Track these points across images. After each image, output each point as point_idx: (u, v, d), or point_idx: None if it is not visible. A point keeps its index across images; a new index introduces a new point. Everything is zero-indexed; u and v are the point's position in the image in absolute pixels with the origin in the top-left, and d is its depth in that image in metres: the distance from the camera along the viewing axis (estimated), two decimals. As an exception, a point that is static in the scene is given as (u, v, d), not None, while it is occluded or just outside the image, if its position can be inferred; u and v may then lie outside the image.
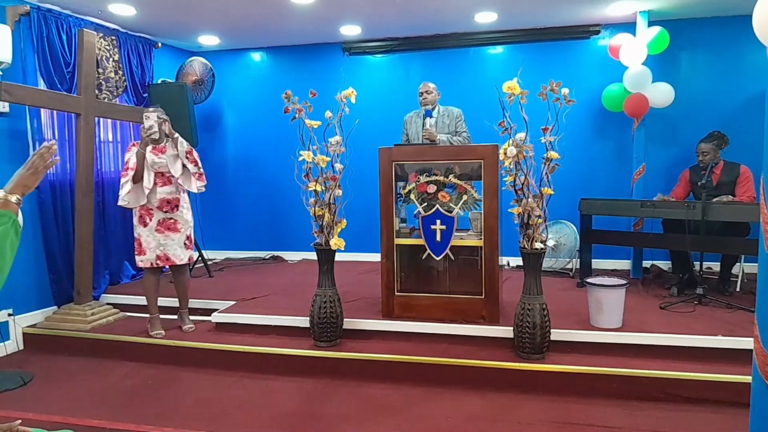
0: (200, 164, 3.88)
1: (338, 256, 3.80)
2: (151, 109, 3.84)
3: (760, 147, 1.96)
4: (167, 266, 3.97)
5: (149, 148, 3.80)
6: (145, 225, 3.84)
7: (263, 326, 3.97)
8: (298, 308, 4.07)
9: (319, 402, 3.19)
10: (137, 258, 3.90)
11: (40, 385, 3.50)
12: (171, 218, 3.87)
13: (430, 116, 4.37)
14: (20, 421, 1.70)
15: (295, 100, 3.64)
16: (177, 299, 4.13)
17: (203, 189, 3.93)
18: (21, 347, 4.17)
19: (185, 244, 3.93)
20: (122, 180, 3.79)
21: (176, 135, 3.79)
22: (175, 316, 4.17)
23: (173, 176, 3.82)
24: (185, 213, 3.94)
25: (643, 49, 4.78)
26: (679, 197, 4.59)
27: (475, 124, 4.38)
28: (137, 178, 3.77)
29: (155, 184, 3.81)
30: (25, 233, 3.59)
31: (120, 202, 3.81)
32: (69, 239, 4.48)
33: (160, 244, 3.84)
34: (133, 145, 3.84)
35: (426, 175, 3.74)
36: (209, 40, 5.81)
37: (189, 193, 4.00)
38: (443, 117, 4.41)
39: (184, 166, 3.82)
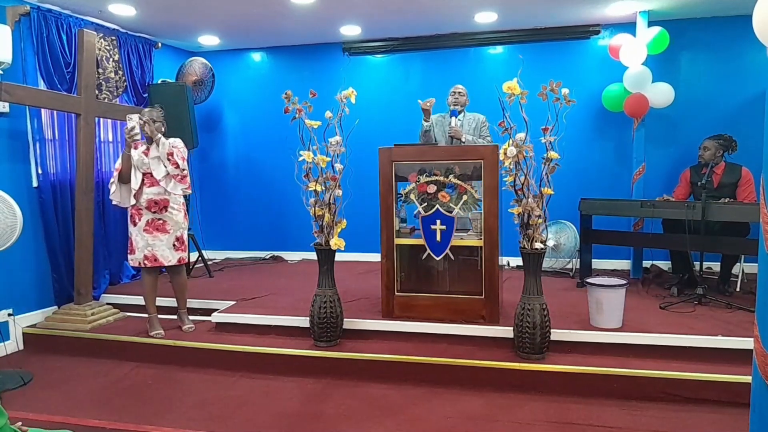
0: (183, 166, 3.81)
1: (338, 256, 3.80)
2: (146, 110, 3.86)
3: (760, 147, 1.96)
4: (164, 267, 3.98)
5: (142, 148, 3.81)
6: (135, 224, 3.86)
7: (263, 326, 3.97)
8: (298, 308, 4.07)
9: (319, 402, 3.19)
10: (129, 256, 3.93)
11: (40, 385, 3.50)
12: (160, 219, 3.86)
13: (457, 116, 4.38)
14: (21, 423, 1.70)
15: (295, 100, 3.64)
16: (176, 299, 4.13)
17: (189, 191, 3.93)
18: (21, 347, 4.16)
19: (174, 245, 3.90)
20: (110, 180, 3.90)
21: (158, 136, 3.77)
22: (175, 316, 4.17)
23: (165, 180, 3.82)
24: (175, 214, 3.89)
25: (643, 49, 4.78)
26: (680, 198, 4.59)
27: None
28: (123, 179, 3.82)
29: (143, 184, 3.81)
30: (26, 233, 3.61)
31: (113, 201, 3.90)
32: (69, 239, 4.49)
33: (148, 244, 3.84)
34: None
35: (426, 175, 3.74)
36: (209, 40, 5.81)
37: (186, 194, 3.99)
38: (469, 121, 4.44)
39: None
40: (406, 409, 3.06)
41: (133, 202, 3.82)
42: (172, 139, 3.86)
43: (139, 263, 3.87)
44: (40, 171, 4.30)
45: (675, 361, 3.26)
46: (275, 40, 5.91)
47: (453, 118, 4.35)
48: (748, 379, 2.41)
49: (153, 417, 3.01)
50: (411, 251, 3.89)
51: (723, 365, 3.17)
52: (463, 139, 4.24)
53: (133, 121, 3.73)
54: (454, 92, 4.43)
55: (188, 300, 4.22)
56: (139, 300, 4.33)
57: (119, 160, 3.84)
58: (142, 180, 3.80)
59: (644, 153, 5.11)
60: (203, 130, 6.07)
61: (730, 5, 4.75)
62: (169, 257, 3.88)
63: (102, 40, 4.79)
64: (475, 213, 3.77)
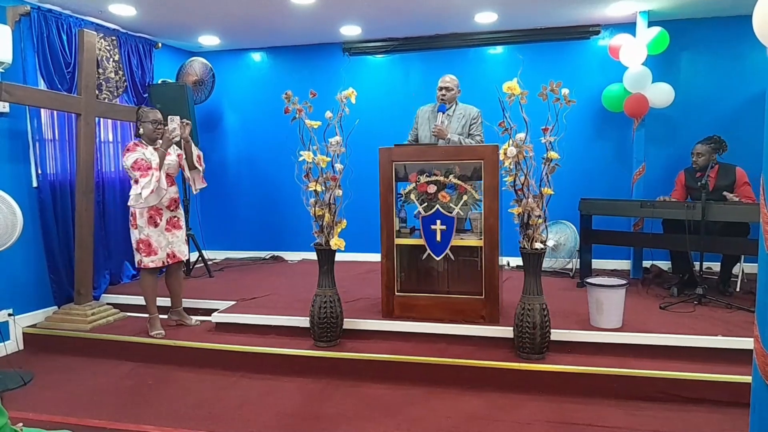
0: None
1: (338, 256, 3.80)
2: (148, 110, 3.90)
3: (760, 147, 1.96)
4: (164, 267, 4.01)
5: (150, 148, 3.83)
6: (156, 225, 3.85)
7: (263, 326, 3.97)
8: (298, 308, 4.07)
9: (319, 402, 3.19)
10: (146, 259, 3.83)
11: (40, 385, 3.50)
12: (175, 216, 3.97)
13: (444, 111, 4.12)
14: (21, 424, 1.70)
15: (295, 101, 3.64)
16: (172, 298, 4.17)
17: (197, 191, 4.15)
18: (21, 347, 4.16)
19: (185, 240, 4.08)
20: (144, 180, 3.69)
21: (189, 140, 3.95)
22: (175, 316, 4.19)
23: (187, 177, 4.04)
24: (181, 210, 4.06)
25: (643, 49, 4.78)
26: (678, 200, 4.58)
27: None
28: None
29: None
30: (26, 233, 3.61)
31: (133, 203, 3.75)
32: (69, 239, 4.48)
33: (169, 242, 3.92)
34: (136, 145, 3.80)
35: (426, 175, 3.74)
36: (209, 40, 5.81)
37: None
38: (459, 116, 4.16)
39: (190, 168, 4.02)
40: (406, 409, 3.06)
41: (156, 201, 3.78)
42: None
43: (163, 262, 3.91)
44: (39, 171, 4.29)
45: (675, 361, 3.26)
46: (275, 40, 5.92)
47: (440, 113, 4.10)
48: (748, 379, 2.41)
49: (153, 417, 3.01)
50: (411, 251, 3.89)
51: (723, 365, 3.17)
52: (447, 139, 4.03)
53: (175, 122, 3.81)
54: (441, 87, 4.16)
55: (189, 300, 4.27)
56: (139, 300, 4.33)
57: (155, 160, 3.74)
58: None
59: (644, 153, 5.12)
60: (203, 130, 6.07)
61: (730, 5, 4.75)
62: (184, 252, 4.04)
63: (102, 40, 4.79)
64: (475, 213, 3.77)
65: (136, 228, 3.83)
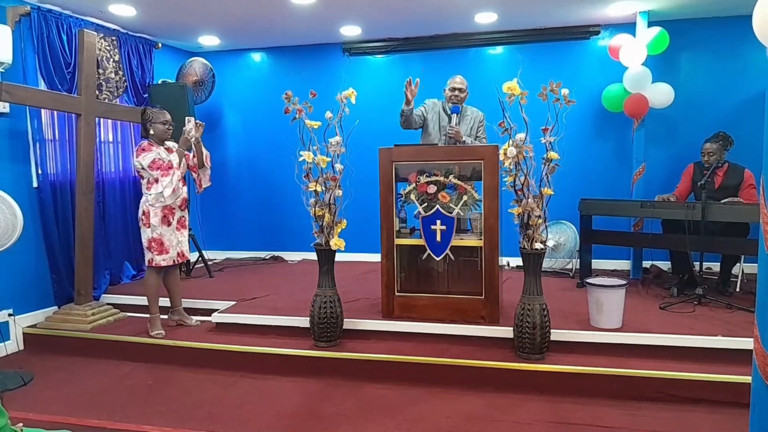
0: None
1: (338, 256, 3.80)
2: (156, 111, 3.91)
3: (759, 147, 1.96)
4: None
5: (162, 148, 3.86)
6: (169, 224, 3.89)
7: (263, 326, 3.98)
8: (298, 308, 4.07)
9: (319, 402, 3.19)
10: (158, 258, 3.86)
11: (40, 385, 3.50)
12: (183, 216, 4.02)
13: (458, 113, 4.13)
14: (21, 424, 1.70)
15: (295, 101, 3.64)
16: (171, 298, 4.18)
17: (202, 190, 4.21)
18: (21, 347, 4.17)
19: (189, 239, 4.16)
20: (165, 179, 3.76)
21: (200, 140, 4.03)
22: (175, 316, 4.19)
23: (196, 177, 4.10)
24: (187, 210, 4.10)
25: (643, 49, 4.78)
26: (682, 193, 4.58)
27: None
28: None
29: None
30: (26, 233, 3.61)
31: (153, 202, 3.78)
32: (69, 239, 4.49)
33: (179, 241, 3.96)
34: (150, 145, 3.81)
35: (426, 176, 3.74)
36: (209, 41, 5.81)
37: None
38: (468, 118, 4.22)
39: (200, 167, 4.10)
40: (406, 410, 3.06)
41: (171, 201, 3.84)
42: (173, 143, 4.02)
43: (174, 261, 3.95)
44: (39, 171, 4.30)
45: (675, 362, 3.26)
46: (275, 40, 5.92)
47: (454, 115, 4.14)
48: (748, 379, 2.41)
49: (153, 417, 3.02)
50: (411, 251, 3.89)
51: (723, 365, 3.17)
52: (463, 141, 4.10)
53: (192, 123, 3.90)
54: (454, 88, 4.16)
55: (189, 300, 4.28)
56: (139, 300, 4.34)
57: (175, 160, 3.85)
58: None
59: (644, 153, 5.12)
60: (203, 130, 6.05)
61: (730, 5, 4.75)
62: (189, 251, 4.12)
63: (102, 40, 4.79)
64: (475, 213, 3.77)
65: (148, 227, 3.83)
